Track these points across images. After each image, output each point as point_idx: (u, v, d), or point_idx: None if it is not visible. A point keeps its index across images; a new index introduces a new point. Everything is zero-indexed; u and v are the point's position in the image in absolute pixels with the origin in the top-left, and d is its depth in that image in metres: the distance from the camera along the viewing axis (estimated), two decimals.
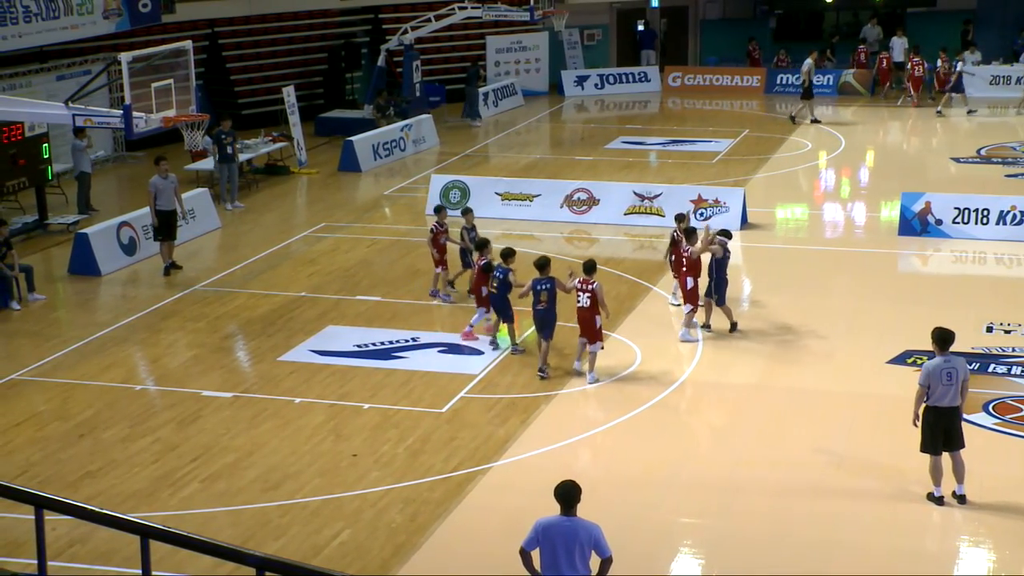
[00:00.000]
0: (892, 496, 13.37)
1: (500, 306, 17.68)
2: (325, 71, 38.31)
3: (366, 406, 15.90)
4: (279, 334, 18.70)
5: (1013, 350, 17.35)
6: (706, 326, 18.31)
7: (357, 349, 17.96)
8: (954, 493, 13.12)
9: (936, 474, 13.04)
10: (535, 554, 9.77)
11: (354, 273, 21.91)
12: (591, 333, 16.55)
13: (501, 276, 17.53)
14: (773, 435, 15.10)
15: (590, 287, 16.43)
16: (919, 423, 13.05)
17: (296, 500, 13.40)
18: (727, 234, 18.48)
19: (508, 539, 12.18)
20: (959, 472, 13.07)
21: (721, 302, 18.14)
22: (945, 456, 13.04)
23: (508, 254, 17.71)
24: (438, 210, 20.42)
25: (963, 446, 13.08)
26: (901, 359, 17.07)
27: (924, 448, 13.06)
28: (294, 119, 30.99)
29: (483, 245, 18.45)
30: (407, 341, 18.13)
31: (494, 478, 13.92)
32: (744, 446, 14.80)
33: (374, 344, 18.13)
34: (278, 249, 23.59)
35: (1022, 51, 41.07)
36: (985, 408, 15.40)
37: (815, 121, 35.48)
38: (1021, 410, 15.40)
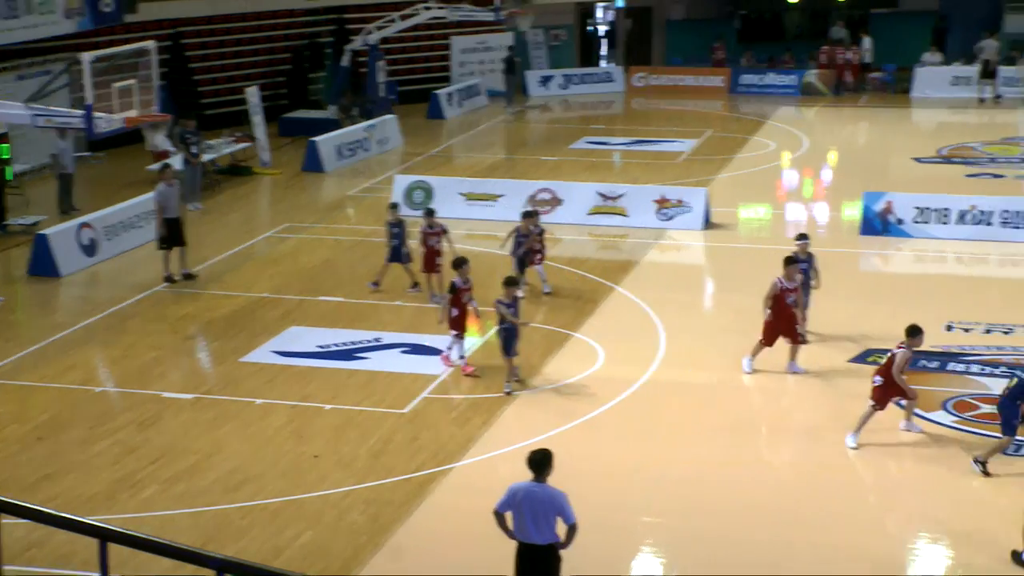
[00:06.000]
0: (850, 494, 13.45)
1: None
2: (289, 71, 38.23)
3: (328, 407, 15.85)
4: (241, 335, 18.62)
5: (972, 348, 17.50)
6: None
7: (319, 350, 17.91)
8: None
9: None
10: (508, 516, 10.24)
11: (317, 274, 21.84)
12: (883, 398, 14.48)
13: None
14: (735, 434, 15.12)
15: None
16: None
17: (257, 501, 13.34)
18: (804, 236, 18.09)
19: (470, 539, 12.22)
20: None
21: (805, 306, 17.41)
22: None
23: None
24: (429, 212, 20.17)
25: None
26: (862, 358, 17.17)
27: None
28: (258, 119, 30.87)
29: (461, 263, 17.38)
30: (369, 342, 18.09)
31: (456, 479, 13.90)
32: (705, 445, 14.82)
33: (336, 345, 18.08)
34: (241, 250, 23.48)
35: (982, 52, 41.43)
36: (944, 406, 15.52)
37: (997, 97, 38.52)
38: (979, 407, 15.53)
